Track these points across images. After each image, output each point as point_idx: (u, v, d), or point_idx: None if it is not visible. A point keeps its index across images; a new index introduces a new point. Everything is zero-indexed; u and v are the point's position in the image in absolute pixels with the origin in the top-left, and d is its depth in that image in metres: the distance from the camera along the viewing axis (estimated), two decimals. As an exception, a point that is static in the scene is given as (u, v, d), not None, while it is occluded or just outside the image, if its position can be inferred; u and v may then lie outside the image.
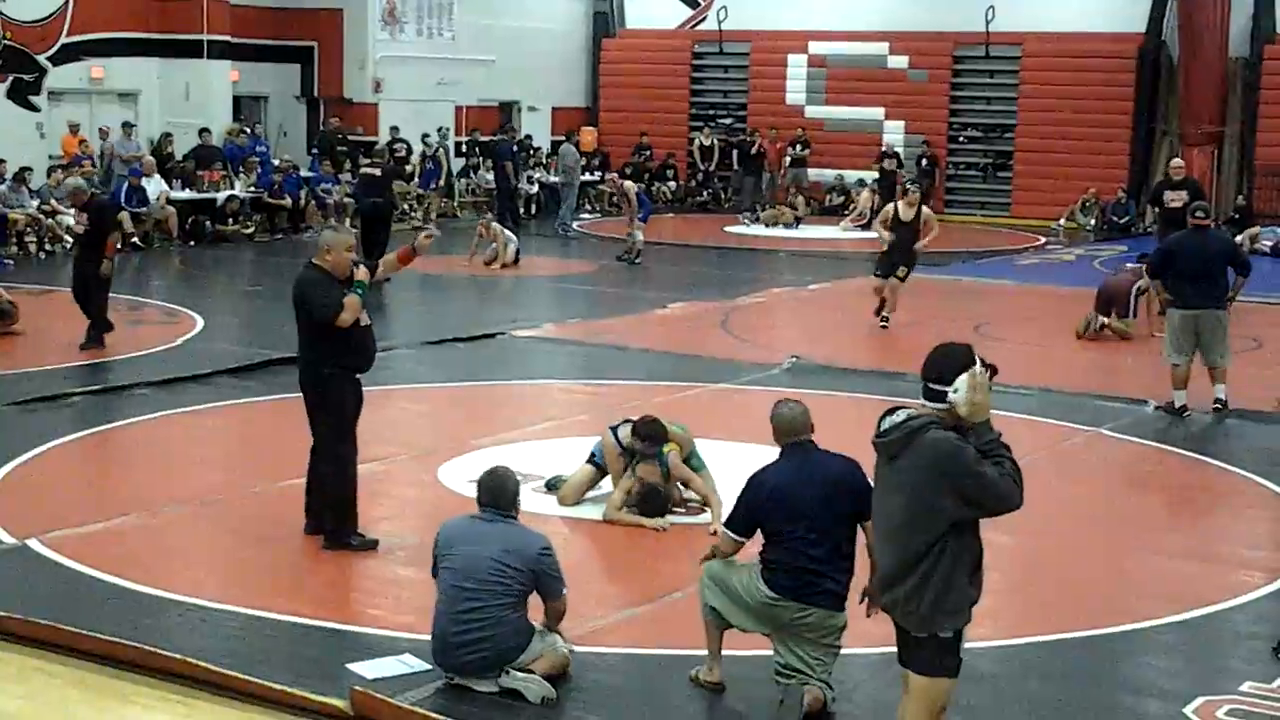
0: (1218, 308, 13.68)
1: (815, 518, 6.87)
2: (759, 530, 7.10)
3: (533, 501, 10.27)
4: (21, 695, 7.08)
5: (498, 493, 7.30)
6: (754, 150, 34.23)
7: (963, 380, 5.75)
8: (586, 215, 32.99)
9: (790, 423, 7.12)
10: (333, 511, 9.38)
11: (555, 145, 33.71)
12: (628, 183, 26.20)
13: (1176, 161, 21.02)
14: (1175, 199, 19.36)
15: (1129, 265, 18.78)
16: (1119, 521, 10.61)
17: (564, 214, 29.27)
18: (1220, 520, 11.07)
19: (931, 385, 5.82)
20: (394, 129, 30.86)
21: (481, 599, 7.03)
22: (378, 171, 22.71)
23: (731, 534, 7.12)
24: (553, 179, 32.33)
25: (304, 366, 9.40)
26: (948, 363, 5.82)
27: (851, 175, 33.64)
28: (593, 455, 10.55)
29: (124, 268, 23.15)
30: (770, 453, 7.34)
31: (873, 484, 6.07)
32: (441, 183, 31.40)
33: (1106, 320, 18.17)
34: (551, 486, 10.67)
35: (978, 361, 5.81)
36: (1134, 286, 18.16)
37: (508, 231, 24.44)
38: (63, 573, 8.81)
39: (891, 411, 5.93)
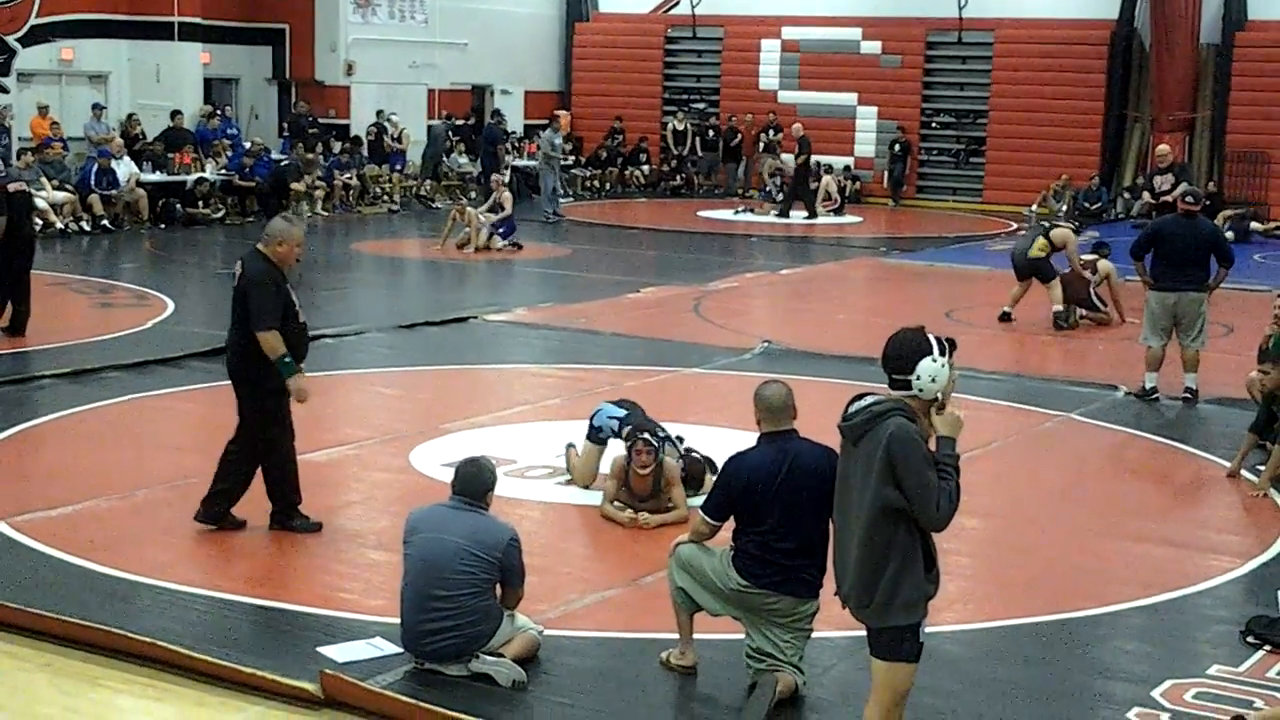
0: (1197, 290, 13.73)
1: (786, 513, 6.83)
2: (735, 521, 7.08)
3: (506, 485, 10.25)
4: (-11, 679, 7.06)
5: (471, 482, 7.28)
6: (736, 140, 34.37)
7: (924, 368, 5.75)
8: (561, 199, 32.94)
9: (773, 404, 6.97)
10: (274, 494, 9.30)
11: (529, 130, 33.74)
12: (506, 192, 24.74)
13: (1161, 148, 21.09)
14: (1163, 183, 19.51)
15: (1083, 258, 18.73)
16: (1088, 506, 10.65)
17: (547, 199, 29.17)
18: (1189, 505, 11.13)
19: (893, 375, 5.81)
20: (379, 113, 30.98)
21: (448, 588, 7.02)
22: (275, 151, 22.85)
23: (707, 518, 7.11)
24: (526, 163, 32.30)
25: (234, 352, 9.21)
26: (904, 351, 5.81)
27: (823, 160, 33.56)
28: (599, 430, 10.34)
29: (94, 250, 23.10)
30: (744, 438, 7.34)
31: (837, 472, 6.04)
32: (404, 167, 31.36)
33: (1085, 312, 18.21)
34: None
35: (934, 345, 5.80)
36: (1090, 286, 18.15)
37: (481, 215, 24.30)
38: (32, 556, 8.76)
39: (859, 397, 5.92)
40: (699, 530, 7.17)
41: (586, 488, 10.42)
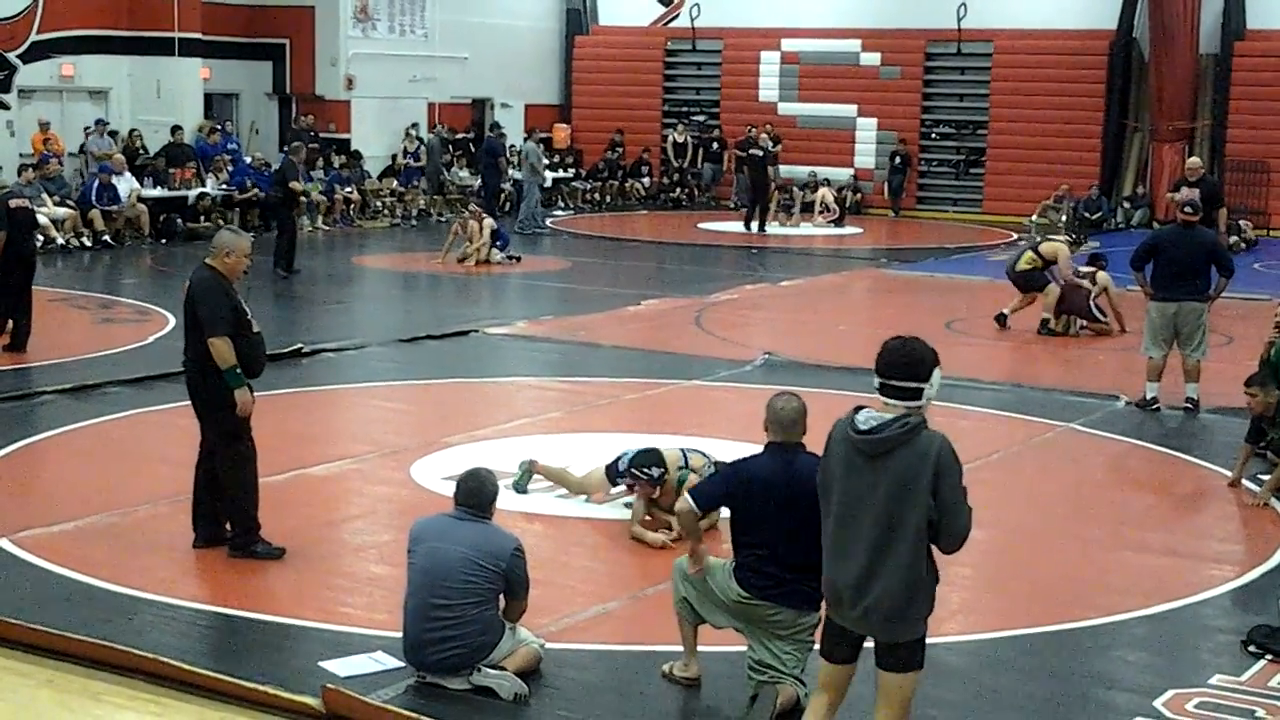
0: (1197, 300, 13.74)
1: (786, 525, 6.82)
2: (733, 534, 7.08)
3: (506, 498, 10.25)
4: (-8, 695, 7.06)
5: (475, 493, 7.29)
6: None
7: (936, 376, 5.78)
8: (560, 212, 33.01)
9: (781, 418, 6.96)
10: (233, 516, 9.14)
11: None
12: (489, 219, 24.52)
13: (1193, 160, 20.87)
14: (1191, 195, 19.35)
15: (1081, 269, 18.76)
16: (1090, 516, 10.65)
17: (527, 211, 29.16)
18: (1190, 515, 11.13)
19: (906, 384, 5.79)
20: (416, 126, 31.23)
21: (451, 597, 7.03)
22: (274, 167, 22.98)
23: (692, 503, 7.05)
24: (518, 175, 32.36)
25: (191, 368, 9.14)
26: (924, 358, 5.81)
27: (823, 171, 33.59)
28: (619, 474, 10.04)
29: (94, 265, 23.12)
30: (744, 450, 7.34)
31: (834, 484, 5.92)
32: (423, 180, 31.46)
33: (1085, 322, 18.25)
34: (519, 488, 10.54)
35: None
36: (1089, 299, 18.19)
37: (489, 229, 24.11)
38: (34, 572, 8.76)
39: (858, 410, 5.90)
40: (681, 511, 7.09)
41: (578, 495, 10.47)
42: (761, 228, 29.94)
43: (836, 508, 5.92)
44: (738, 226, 30.55)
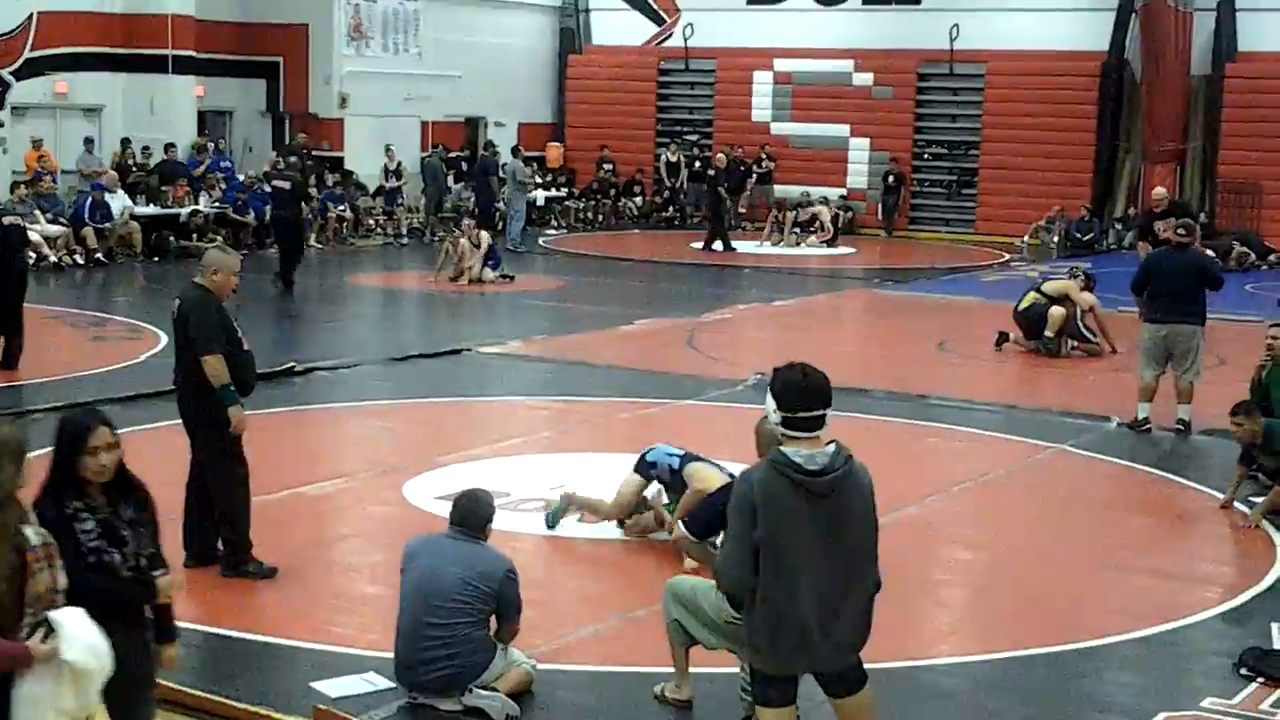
0: (1189, 323, 13.76)
1: None
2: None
3: (499, 518, 10.23)
4: (-19, 715, 7.03)
5: (470, 514, 7.30)
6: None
7: None
8: (553, 231, 33.03)
9: (763, 438, 6.99)
10: (226, 535, 9.12)
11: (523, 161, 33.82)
12: (484, 233, 24.41)
13: (1158, 190, 20.91)
14: (1165, 228, 19.21)
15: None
16: (1081, 538, 10.65)
17: (516, 229, 29.14)
18: (1182, 537, 11.13)
19: (825, 411, 5.73)
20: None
21: (443, 616, 7.03)
22: (287, 185, 22.93)
23: (690, 535, 7.05)
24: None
25: (183, 387, 9.13)
26: (827, 381, 5.78)
27: (816, 191, 33.62)
28: (651, 465, 9.90)
29: (87, 283, 23.10)
30: (734, 469, 7.34)
31: (780, 533, 5.69)
32: (405, 199, 31.47)
33: (1076, 343, 18.25)
34: (551, 523, 10.27)
35: None
36: (1077, 320, 18.20)
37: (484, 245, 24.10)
38: (24, 591, 8.73)
39: (781, 452, 5.73)
40: (678, 540, 7.15)
41: (622, 523, 10.17)
42: (723, 247, 29.58)
43: (785, 554, 5.69)
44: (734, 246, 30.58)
